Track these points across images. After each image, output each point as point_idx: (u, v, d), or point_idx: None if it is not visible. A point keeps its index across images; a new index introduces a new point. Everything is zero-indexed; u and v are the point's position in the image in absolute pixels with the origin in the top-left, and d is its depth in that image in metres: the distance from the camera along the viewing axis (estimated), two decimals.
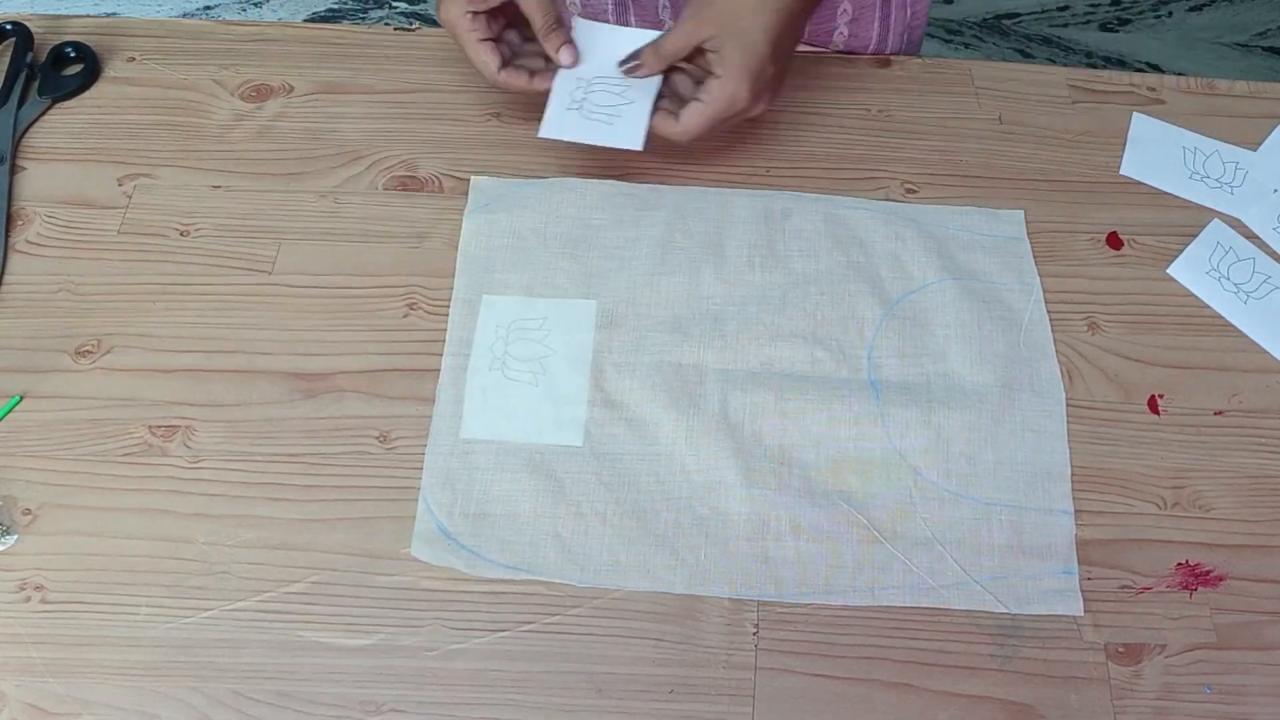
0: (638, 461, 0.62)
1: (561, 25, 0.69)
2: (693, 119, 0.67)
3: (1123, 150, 0.76)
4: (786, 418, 0.63)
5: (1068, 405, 0.65)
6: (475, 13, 0.67)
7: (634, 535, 0.59)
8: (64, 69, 0.78)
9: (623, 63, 0.70)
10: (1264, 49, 1.86)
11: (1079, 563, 0.59)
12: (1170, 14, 1.89)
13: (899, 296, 0.68)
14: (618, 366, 0.65)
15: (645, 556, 0.59)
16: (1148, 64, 1.82)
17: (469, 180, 0.73)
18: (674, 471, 0.61)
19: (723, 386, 0.64)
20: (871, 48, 0.82)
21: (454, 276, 0.68)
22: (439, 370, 0.65)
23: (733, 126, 0.70)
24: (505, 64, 0.69)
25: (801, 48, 0.80)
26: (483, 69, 0.68)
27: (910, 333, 0.67)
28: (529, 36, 0.71)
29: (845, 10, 0.79)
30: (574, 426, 0.63)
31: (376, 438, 0.63)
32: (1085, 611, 0.58)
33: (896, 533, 0.60)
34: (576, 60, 0.70)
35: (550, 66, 0.71)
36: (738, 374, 0.64)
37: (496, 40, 0.69)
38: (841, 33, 0.80)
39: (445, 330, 0.66)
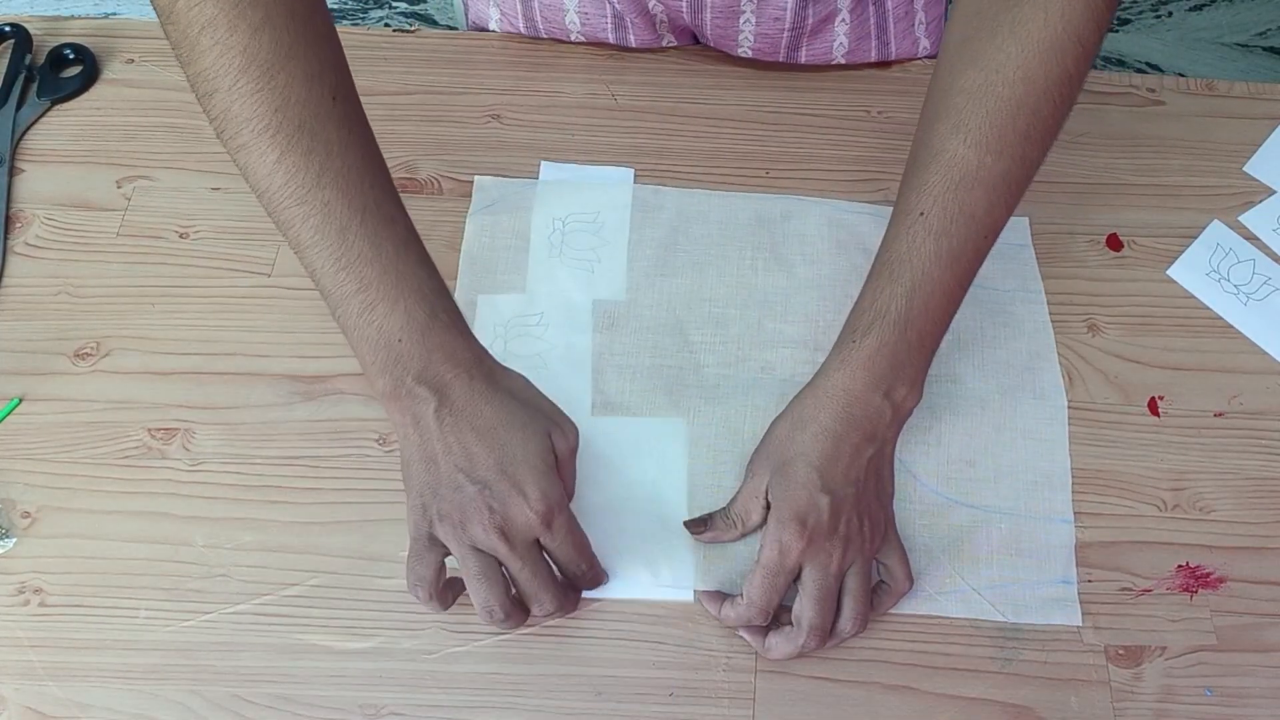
0: (639, 466, 0.61)
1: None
2: (749, 589, 0.54)
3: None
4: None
5: (1068, 407, 0.64)
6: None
7: (631, 539, 0.59)
8: (63, 71, 0.78)
9: (688, 523, 0.59)
10: (1264, 49, 1.85)
11: (1079, 565, 0.59)
12: (1170, 14, 1.89)
13: None
14: (618, 369, 0.65)
15: (648, 563, 0.58)
16: (1148, 64, 1.82)
17: (469, 181, 0.73)
18: (676, 475, 0.61)
19: (723, 390, 0.64)
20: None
21: (454, 278, 0.68)
22: None
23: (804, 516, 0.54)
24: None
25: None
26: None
27: None
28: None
29: (842, 45, 0.78)
30: None
31: (376, 440, 0.62)
32: (1085, 614, 0.58)
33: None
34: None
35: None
36: (738, 378, 0.64)
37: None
38: (839, 62, 0.79)
39: None
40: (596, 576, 0.56)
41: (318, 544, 0.59)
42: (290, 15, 0.50)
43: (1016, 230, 0.72)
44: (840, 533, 0.54)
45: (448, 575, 0.55)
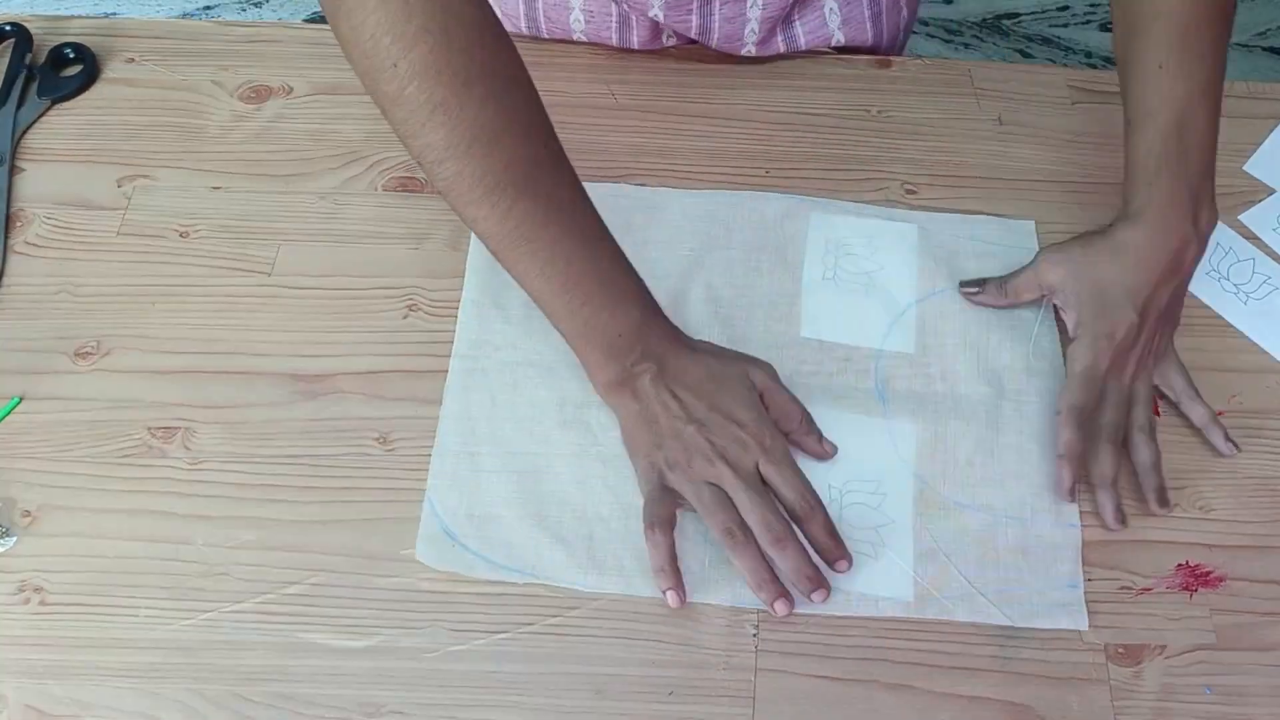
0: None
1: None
2: (1069, 398, 0.62)
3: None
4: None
5: None
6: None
7: (638, 540, 0.59)
8: (63, 70, 0.78)
9: (964, 283, 0.68)
10: (1264, 49, 1.86)
11: None
12: None
13: (907, 304, 0.68)
14: None
15: (647, 562, 0.58)
16: None
17: None
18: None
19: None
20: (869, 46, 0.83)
21: (455, 277, 0.68)
22: (440, 371, 0.65)
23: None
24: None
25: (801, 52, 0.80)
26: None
27: (918, 341, 0.66)
28: None
29: (834, 10, 0.79)
30: (580, 429, 0.63)
31: (376, 439, 0.62)
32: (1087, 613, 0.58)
33: (901, 543, 0.60)
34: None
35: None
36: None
37: None
38: (838, 39, 0.80)
39: (445, 331, 0.66)
40: (826, 524, 0.58)
41: (318, 542, 0.59)
42: (508, 82, 0.57)
43: (1022, 233, 0.71)
44: (1136, 353, 0.63)
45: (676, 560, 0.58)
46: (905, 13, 0.84)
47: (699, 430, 0.59)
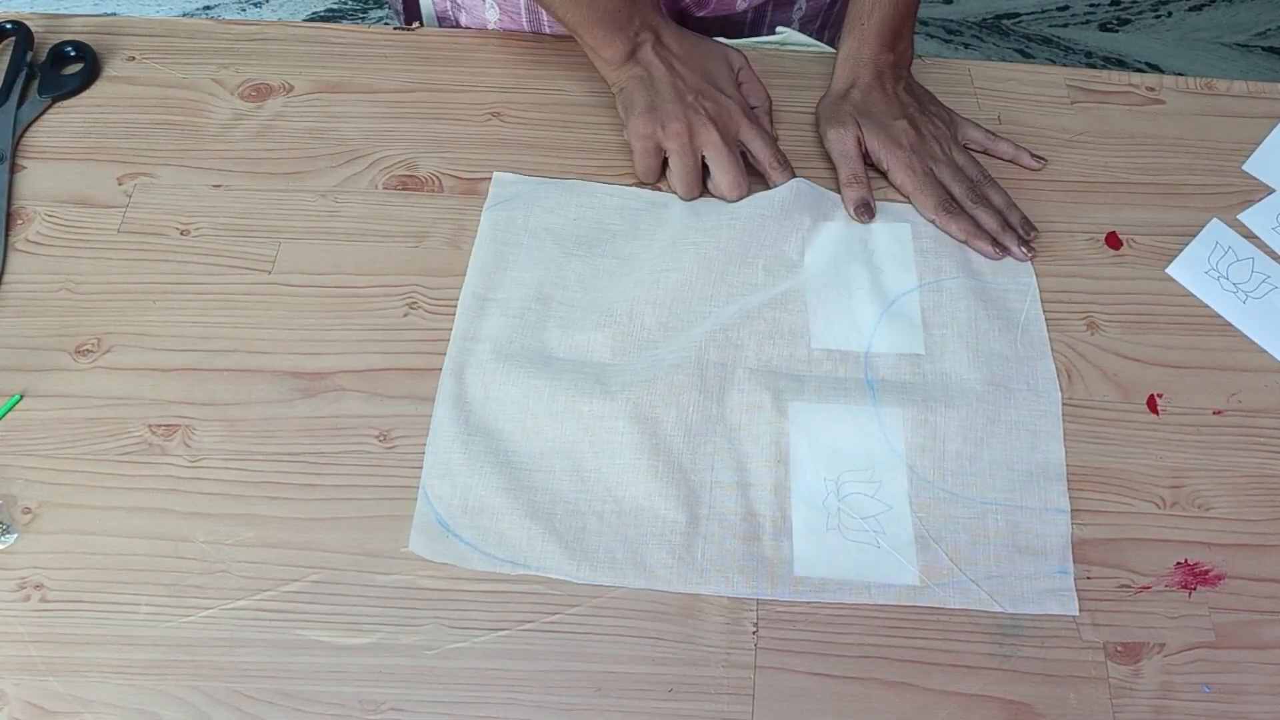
0: (636, 458, 0.62)
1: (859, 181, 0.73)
2: (932, 214, 0.72)
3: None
4: (784, 416, 0.63)
5: (1067, 405, 0.65)
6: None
7: (630, 532, 0.59)
8: (64, 68, 0.78)
9: (857, 210, 0.72)
10: (1264, 49, 1.86)
11: (1078, 562, 0.59)
12: (1170, 14, 1.89)
13: (896, 295, 0.68)
14: (619, 364, 0.65)
15: (642, 554, 0.59)
16: (1147, 64, 1.82)
17: (470, 179, 0.73)
18: (672, 469, 0.61)
19: (721, 384, 0.64)
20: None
21: (455, 275, 0.68)
22: (440, 368, 0.65)
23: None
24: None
25: (802, 42, 0.81)
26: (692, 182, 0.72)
27: (907, 332, 0.67)
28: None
29: (800, 6, 0.84)
30: (573, 420, 0.63)
31: (376, 437, 0.63)
32: (1084, 611, 0.58)
33: (892, 532, 0.60)
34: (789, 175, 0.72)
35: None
36: (737, 372, 0.64)
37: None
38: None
39: (445, 329, 0.66)
40: (788, 169, 0.73)
41: (318, 540, 0.59)
42: None
43: None
44: (925, 135, 0.73)
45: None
46: None
47: (697, 99, 0.71)
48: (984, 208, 0.71)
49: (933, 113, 0.75)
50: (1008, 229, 0.70)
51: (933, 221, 0.71)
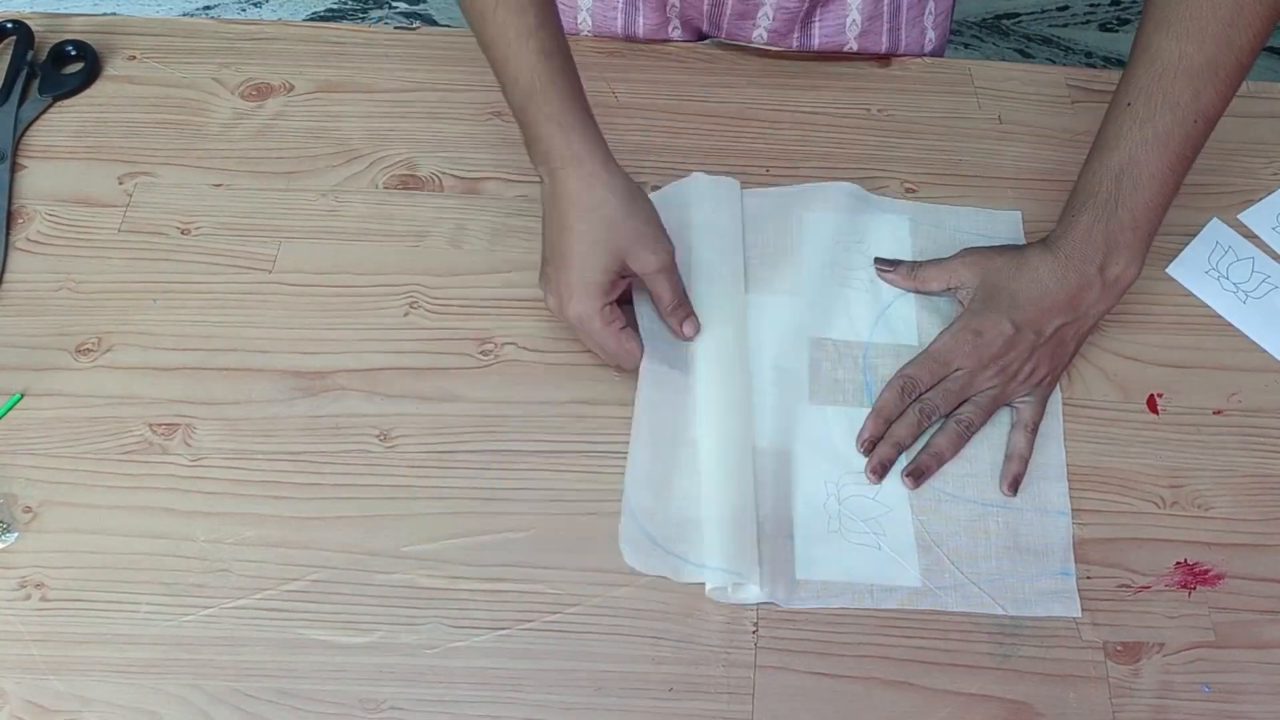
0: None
1: (685, 301, 0.64)
2: (914, 364, 0.64)
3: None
4: (782, 416, 0.63)
5: (1067, 404, 0.65)
6: (609, 304, 0.62)
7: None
8: (64, 67, 0.78)
9: (879, 260, 0.69)
10: (1264, 49, 1.86)
11: (1078, 561, 0.59)
12: None
13: (895, 296, 0.68)
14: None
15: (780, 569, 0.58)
16: None
17: (470, 179, 0.73)
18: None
19: (718, 383, 0.64)
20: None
21: (456, 275, 0.68)
22: (440, 369, 0.65)
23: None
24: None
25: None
26: (626, 359, 0.62)
27: (905, 332, 0.67)
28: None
29: (855, 22, 0.78)
30: (744, 424, 0.63)
31: (376, 436, 0.63)
32: (1084, 610, 0.58)
33: (893, 534, 0.60)
34: (698, 331, 0.64)
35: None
36: (735, 372, 0.64)
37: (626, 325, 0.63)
38: (851, 47, 0.80)
39: (445, 328, 0.66)
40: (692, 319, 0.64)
41: (318, 539, 0.59)
42: None
43: (1009, 224, 0.72)
44: (999, 363, 0.62)
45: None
46: (933, 35, 0.83)
47: (549, 272, 0.62)
48: (916, 422, 0.62)
49: (1050, 363, 0.63)
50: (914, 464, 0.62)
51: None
